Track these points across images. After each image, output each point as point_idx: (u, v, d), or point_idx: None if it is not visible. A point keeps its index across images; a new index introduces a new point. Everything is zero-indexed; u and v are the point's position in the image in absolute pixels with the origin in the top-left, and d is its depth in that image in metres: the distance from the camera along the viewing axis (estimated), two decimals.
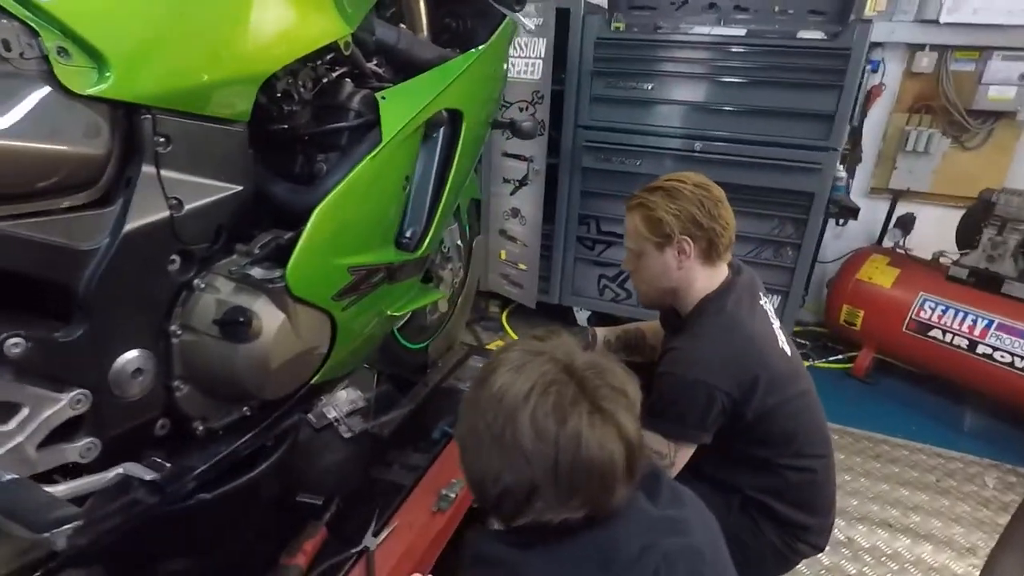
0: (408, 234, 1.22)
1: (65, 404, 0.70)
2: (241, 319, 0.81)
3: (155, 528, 1.04)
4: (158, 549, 1.11)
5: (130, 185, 0.74)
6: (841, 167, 2.72)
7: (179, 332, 0.84)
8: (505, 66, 1.48)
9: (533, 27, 1.34)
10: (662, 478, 0.79)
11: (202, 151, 0.80)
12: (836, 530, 1.87)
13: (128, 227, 0.73)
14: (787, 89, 2.48)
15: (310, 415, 1.56)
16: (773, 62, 2.48)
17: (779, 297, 2.74)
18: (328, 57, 0.99)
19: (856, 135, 2.99)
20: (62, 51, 0.66)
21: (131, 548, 1.10)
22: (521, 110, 2.80)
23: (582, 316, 3.10)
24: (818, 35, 2.48)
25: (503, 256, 3.11)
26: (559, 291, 3.05)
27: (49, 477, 0.72)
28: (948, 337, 2.48)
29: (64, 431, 0.72)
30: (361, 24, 1.07)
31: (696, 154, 2.66)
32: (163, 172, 0.76)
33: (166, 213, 0.77)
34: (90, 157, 0.70)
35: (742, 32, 2.62)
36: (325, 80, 1.00)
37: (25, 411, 0.67)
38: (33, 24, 0.64)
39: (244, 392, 0.89)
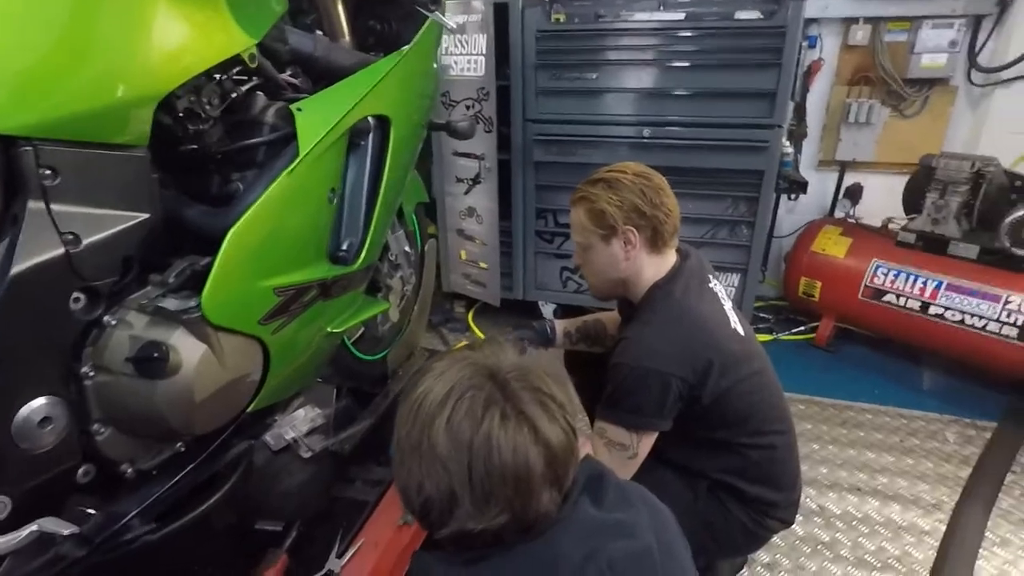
0: (345, 247, 1.18)
1: None
2: (156, 354, 0.77)
3: None
4: None
5: (16, 224, 0.69)
6: (788, 143, 2.75)
7: (91, 373, 0.79)
8: (435, 66, 1.45)
9: (455, 26, 1.30)
10: (607, 480, 0.77)
11: (97, 181, 0.76)
12: (808, 499, 1.91)
13: (16, 269, 0.68)
14: (728, 70, 2.50)
15: (267, 437, 1.51)
16: (713, 44, 2.49)
17: (738, 275, 2.78)
18: (235, 71, 0.94)
19: (800, 110, 3.03)
20: None
21: None
22: (468, 108, 2.76)
23: (547, 310, 3.08)
24: (755, 15, 2.50)
25: (463, 256, 3.08)
26: (522, 287, 3.04)
27: None
28: (902, 301, 2.53)
29: None
30: (271, 34, 1.03)
31: (646, 140, 2.66)
32: (53, 206, 0.72)
33: (61, 250, 0.72)
34: None
35: (681, 16, 2.63)
36: (235, 95, 0.95)
37: None
38: None
39: (170, 429, 0.85)
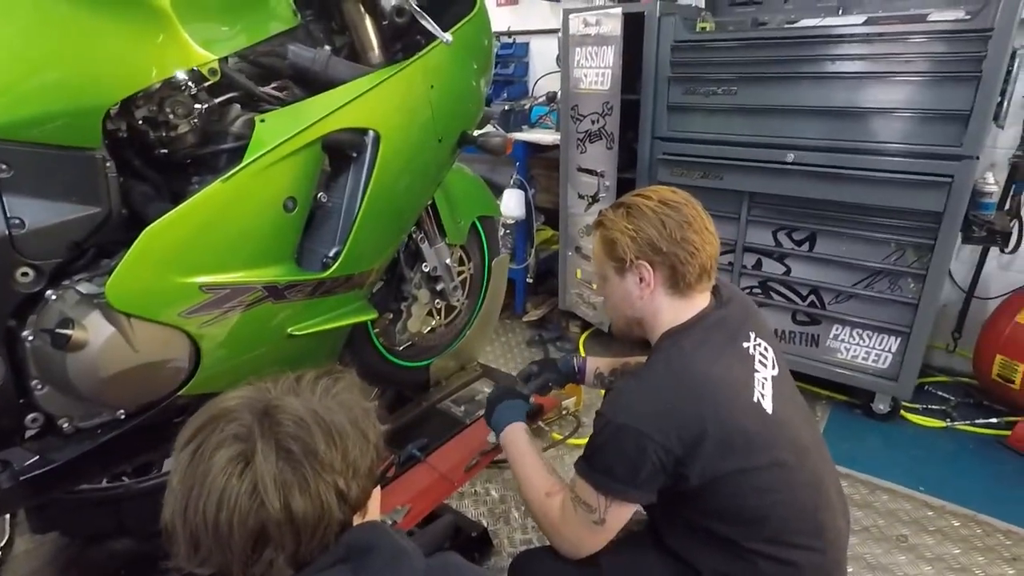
0: (331, 254, 1.22)
1: None
2: (62, 330, 0.88)
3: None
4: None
5: None
6: (993, 179, 2.12)
7: (31, 338, 0.93)
8: (474, 84, 1.42)
9: (449, 39, 1.25)
10: (375, 556, 0.66)
11: (46, 176, 0.89)
12: None
13: None
14: (907, 85, 2.02)
15: None
16: (893, 51, 2.03)
17: (896, 339, 2.23)
18: (207, 83, 1.03)
19: None
20: None
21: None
22: (593, 123, 2.68)
23: None
24: (958, 14, 1.98)
25: (579, 275, 2.98)
26: None
27: None
28: None
29: None
30: (261, 49, 1.11)
31: (789, 167, 2.29)
32: (5, 195, 0.86)
33: (5, 232, 0.86)
34: None
35: (861, 20, 2.20)
36: (206, 105, 1.04)
37: None
38: None
39: (85, 398, 0.96)
